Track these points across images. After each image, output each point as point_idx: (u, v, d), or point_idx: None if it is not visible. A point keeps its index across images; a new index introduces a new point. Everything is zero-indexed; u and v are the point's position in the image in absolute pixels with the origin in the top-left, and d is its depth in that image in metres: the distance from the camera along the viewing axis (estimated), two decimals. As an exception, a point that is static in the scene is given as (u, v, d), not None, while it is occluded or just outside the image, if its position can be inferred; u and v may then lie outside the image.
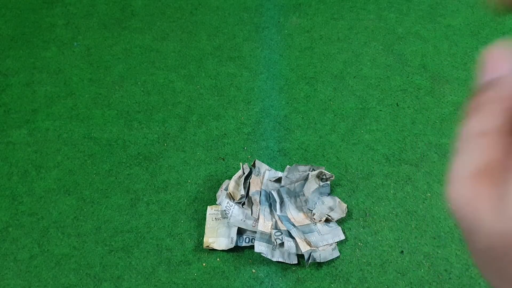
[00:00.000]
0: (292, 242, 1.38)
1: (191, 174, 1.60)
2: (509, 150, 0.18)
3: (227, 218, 1.44)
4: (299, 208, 1.50)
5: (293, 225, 1.44)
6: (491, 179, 0.17)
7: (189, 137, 1.71)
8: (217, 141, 1.69)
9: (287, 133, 1.71)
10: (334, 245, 1.41)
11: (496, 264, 0.17)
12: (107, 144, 1.69)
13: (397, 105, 1.80)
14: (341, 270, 1.39)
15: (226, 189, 1.50)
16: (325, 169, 1.53)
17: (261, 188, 1.52)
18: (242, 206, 1.47)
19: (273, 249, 1.39)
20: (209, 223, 1.46)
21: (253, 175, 1.53)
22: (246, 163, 1.54)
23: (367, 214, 1.50)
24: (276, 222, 1.45)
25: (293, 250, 1.38)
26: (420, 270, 1.38)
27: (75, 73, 1.93)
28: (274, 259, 1.38)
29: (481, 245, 0.17)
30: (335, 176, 1.57)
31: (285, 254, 1.39)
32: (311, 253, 1.36)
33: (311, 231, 1.44)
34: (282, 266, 1.40)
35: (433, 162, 1.62)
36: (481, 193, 0.17)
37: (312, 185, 1.51)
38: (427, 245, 1.43)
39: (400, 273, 1.38)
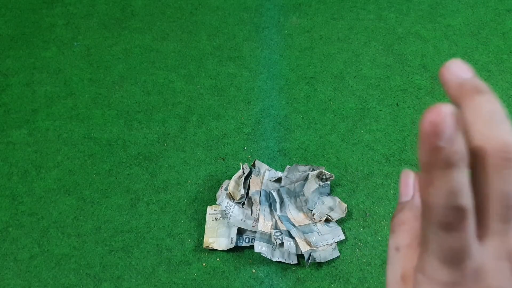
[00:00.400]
0: (292, 242, 1.38)
1: (191, 174, 1.60)
2: (416, 260, 0.23)
3: (227, 218, 1.44)
4: (299, 208, 1.50)
5: (293, 225, 1.44)
6: (408, 284, 0.24)
7: (189, 137, 1.71)
8: (217, 141, 1.69)
9: (287, 133, 1.71)
10: (334, 245, 1.41)
11: None
12: (107, 144, 1.69)
13: (397, 105, 1.80)
14: (341, 270, 1.39)
15: (226, 189, 1.51)
16: (325, 169, 1.53)
17: (261, 188, 1.52)
18: (242, 206, 1.47)
19: (273, 249, 1.39)
20: (209, 223, 1.46)
21: (253, 175, 1.54)
22: (246, 163, 1.54)
23: (367, 214, 1.50)
24: (276, 222, 1.45)
25: (293, 250, 1.38)
26: (420, 270, 1.38)
27: (75, 73, 1.93)
28: (274, 259, 1.38)
29: None
30: (335, 176, 1.57)
31: (285, 254, 1.39)
32: (311, 253, 1.36)
33: (311, 231, 1.44)
34: (282, 266, 1.40)
35: (433, 162, 1.62)
36: None
37: (312, 185, 1.51)
38: (427, 245, 1.43)
39: (400, 273, 1.38)
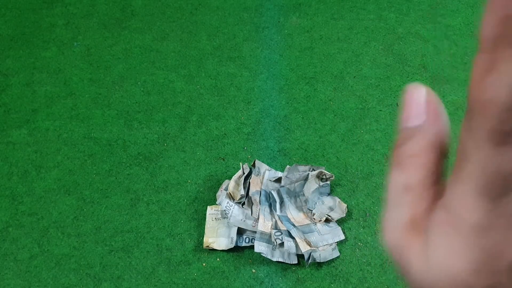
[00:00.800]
0: (292, 242, 1.38)
1: (191, 174, 1.60)
2: (431, 203, 0.19)
3: (227, 218, 1.44)
4: (299, 208, 1.50)
5: (293, 225, 1.44)
6: (418, 230, 0.19)
7: (189, 137, 1.71)
8: (217, 141, 1.69)
9: (287, 133, 1.71)
10: (334, 245, 1.41)
11: None
12: (107, 144, 1.69)
13: (397, 105, 1.80)
14: (341, 270, 1.39)
15: (226, 189, 1.51)
16: (325, 169, 1.53)
17: (261, 188, 1.52)
18: (242, 206, 1.47)
19: (273, 249, 1.39)
20: (209, 223, 1.46)
21: (253, 175, 1.53)
22: (246, 163, 1.54)
23: (367, 214, 1.50)
24: (276, 222, 1.45)
25: (293, 250, 1.38)
26: (420, 270, 1.38)
27: (75, 73, 1.93)
28: (274, 259, 1.38)
29: (412, 285, 0.19)
30: (335, 176, 1.57)
31: (285, 254, 1.39)
32: (311, 253, 1.36)
33: (311, 231, 1.44)
34: (282, 266, 1.40)
35: (433, 162, 1.62)
36: (410, 243, 0.19)
37: (312, 185, 1.51)
38: (427, 245, 1.43)
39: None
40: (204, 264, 1.41)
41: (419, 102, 0.20)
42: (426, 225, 0.18)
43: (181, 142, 1.69)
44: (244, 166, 1.52)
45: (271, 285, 1.36)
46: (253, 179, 1.52)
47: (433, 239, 0.17)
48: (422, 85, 0.20)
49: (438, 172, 0.19)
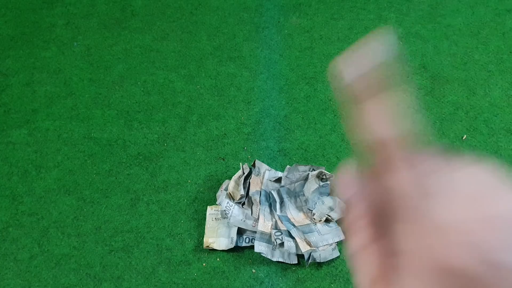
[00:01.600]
0: (292, 242, 1.38)
1: (191, 174, 1.60)
2: (385, 255, 0.22)
3: (227, 218, 1.44)
4: (299, 208, 1.50)
5: (293, 225, 1.44)
6: (382, 283, 0.23)
7: (189, 137, 1.71)
8: (217, 141, 1.69)
9: (287, 133, 1.71)
10: (334, 245, 1.41)
11: None
12: (107, 144, 1.69)
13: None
14: (341, 270, 1.39)
15: (226, 189, 1.51)
16: (325, 169, 1.53)
17: (261, 188, 1.52)
18: (242, 206, 1.47)
19: (273, 249, 1.39)
20: (209, 223, 1.46)
21: (253, 175, 1.53)
22: (246, 163, 1.54)
23: (367, 214, 1.50)
24: (276, 222, 1.45)
25: (293, 250, 1.38)
26: (420, 270, 1.38)
27: (75, 73, 1.93)
28: (274, 259, 1.38)
29: None
30: (335, 176, 1.57)
31: (285, 254, 1.39)
32: (311, 253, 1.36)
33: (311, 231, 1.44)
34: (282, 266, 1.40)
35: (433, 162, 1.62)
36: None
37: (312, 185, 1.51)
38: (427, 245, 1.43)
39: (400, 273, 1.38)
40: (204, 264, 1.41)
41: (350, 180, 0.27)
42: (388, 277, 0.22)
43: (181, 142, 1.69)
44: (244, 166, 1.52)
45: (271, 285, 1.36)
46: (253, 179, 1.52)
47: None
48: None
49: (377, 227, 0.24)
